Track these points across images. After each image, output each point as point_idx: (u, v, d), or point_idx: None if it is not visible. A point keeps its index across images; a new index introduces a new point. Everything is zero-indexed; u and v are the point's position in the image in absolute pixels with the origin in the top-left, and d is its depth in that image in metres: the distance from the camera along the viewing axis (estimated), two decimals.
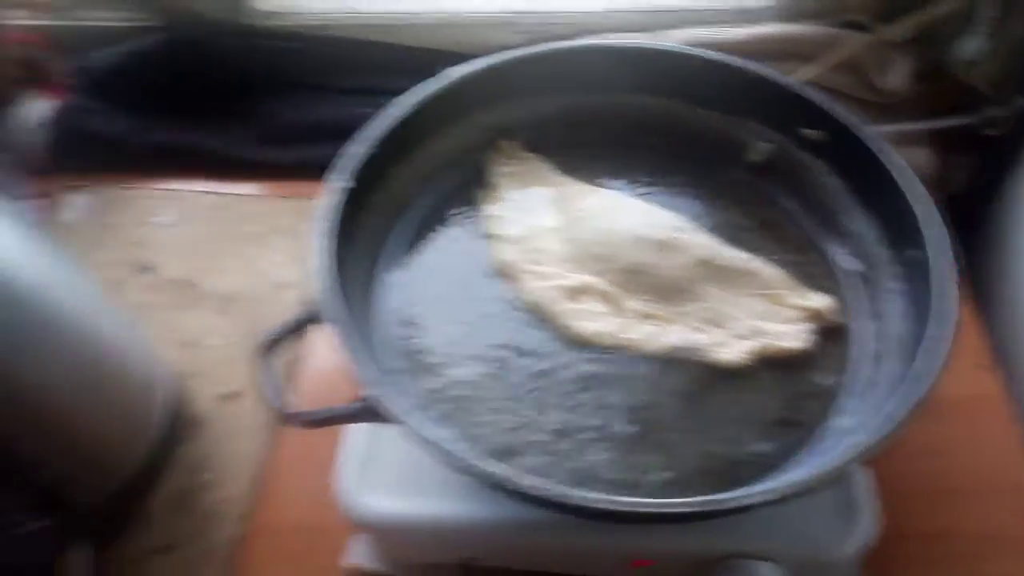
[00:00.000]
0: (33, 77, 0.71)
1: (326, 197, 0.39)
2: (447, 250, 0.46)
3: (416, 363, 0.40)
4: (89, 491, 0.46)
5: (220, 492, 0.49)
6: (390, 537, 0.42)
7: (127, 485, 0.48)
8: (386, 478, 0.40)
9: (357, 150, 0.42)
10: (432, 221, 0.47)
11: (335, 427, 0.50)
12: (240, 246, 0.61)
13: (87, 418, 0.44)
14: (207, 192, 0.65)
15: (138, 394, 0.47)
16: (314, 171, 0.64)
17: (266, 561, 0.46)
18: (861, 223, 0.44)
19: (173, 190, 0.65)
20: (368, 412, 0.33)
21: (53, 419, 0.42)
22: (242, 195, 0.65)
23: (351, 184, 0.40)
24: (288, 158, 0.66)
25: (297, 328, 0.37)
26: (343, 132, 0.65)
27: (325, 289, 0.35)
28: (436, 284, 0.44)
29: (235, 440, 0.51)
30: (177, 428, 0.51)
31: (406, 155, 0.46)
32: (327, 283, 0.36)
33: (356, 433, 0.41)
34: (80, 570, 0.45)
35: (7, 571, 0.43)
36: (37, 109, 0.70)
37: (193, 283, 0.59)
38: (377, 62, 0.68)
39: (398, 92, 0.69)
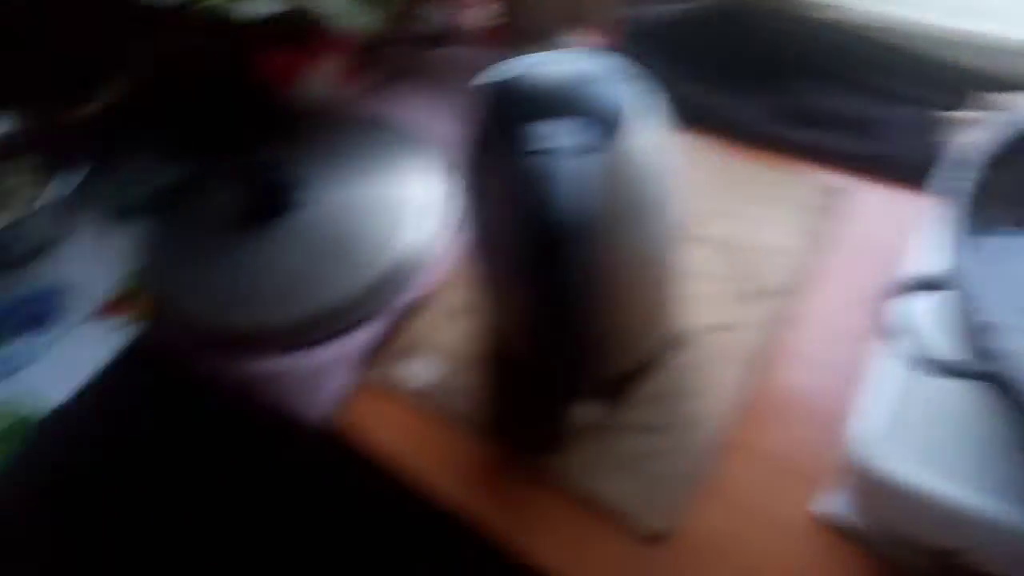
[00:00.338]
0: (579, 19, 0.84)
1: (960, 182, 0.41)
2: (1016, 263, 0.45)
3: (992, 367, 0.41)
4: (609, 364, 0.55)
5: (696, 403, 0.55)
6: (891, 502, 0.43)
7: (630, 370, 0.56)
8: (911, 442, 0.41)
9: (987, 147, 0.43)
10: (995, 234, 0.47)
11: (828, 382, 0.54)
12: (739, 203, 0.67)
13: (633, 303, 0.52)
14: (715, 150, 0.72)
15: (660, 297, 0.55)
16: (817, 154, 0.68)
17: (735, 476, 0.51)
18: None
19: (687, 140, 0.73)
20: (990, 376, 0.36)
21: (621, 291, 0.50)
22: (745, 160, 0.71)
23: (985, 174, 0.42)
24: (797, 138, 0.69)
25: (918, 288, 0.40)
26: (858, 126, 0.68)
27: (962, 263, 0.38)
28: (1012, 296, 0.44)
29: (716, 364, 0.57)
30: (671, 339, 0.58)
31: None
32: (963, 258, 0.38)
33: (887, 388, 0.43)
34: (590, 419, 0.55)
35: (552, 401, 0.55)
36: (576, 45, 0.83)
37: (695, 224, 0.66)
38: (907, 69, 0.69)
39: (921, 101, 0.69)
